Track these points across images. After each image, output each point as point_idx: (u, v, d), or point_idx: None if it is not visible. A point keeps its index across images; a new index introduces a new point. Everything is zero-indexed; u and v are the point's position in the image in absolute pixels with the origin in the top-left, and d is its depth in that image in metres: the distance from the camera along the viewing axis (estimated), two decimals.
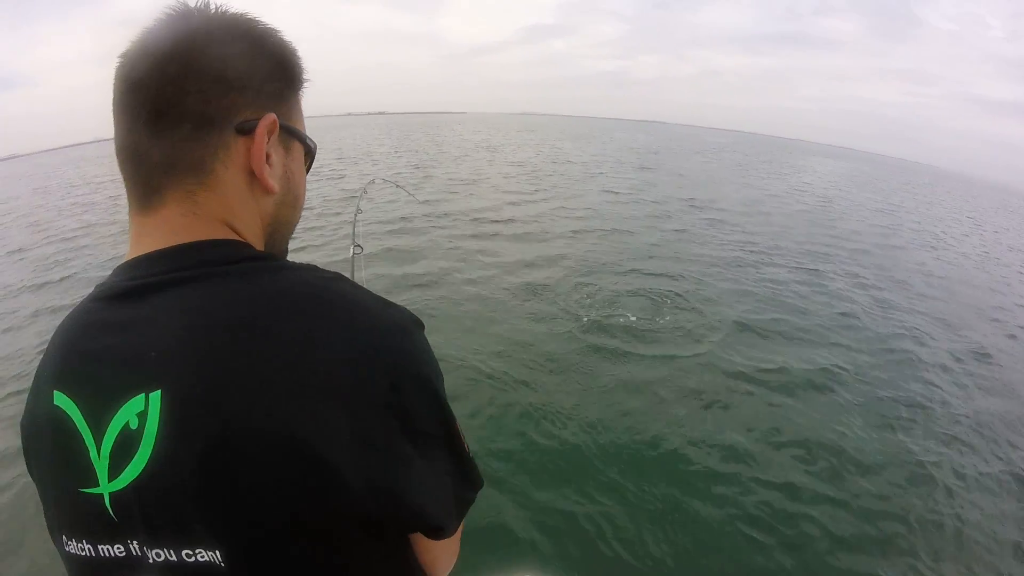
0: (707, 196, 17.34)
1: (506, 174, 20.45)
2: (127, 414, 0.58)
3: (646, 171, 24.89)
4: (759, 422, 4.65)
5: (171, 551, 0.58)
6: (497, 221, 11.59)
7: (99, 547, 0.61)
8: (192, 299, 0.61)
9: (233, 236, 0.69)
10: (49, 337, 0.71)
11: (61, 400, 0.62)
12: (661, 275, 8.33)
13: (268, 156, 0.70)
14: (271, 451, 0.55)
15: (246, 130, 0.68)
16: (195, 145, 0.65)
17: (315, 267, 0.69)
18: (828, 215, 16.37)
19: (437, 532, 0.70)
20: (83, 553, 0.62)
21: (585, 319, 6.50)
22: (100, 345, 0.62)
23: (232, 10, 0.69)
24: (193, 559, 0.57)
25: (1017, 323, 8.28)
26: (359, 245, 2.72)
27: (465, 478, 0.74)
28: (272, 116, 0.70)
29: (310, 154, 0.82)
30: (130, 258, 0.67)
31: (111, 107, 0.67)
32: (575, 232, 10.90)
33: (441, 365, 0.70)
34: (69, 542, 0.63)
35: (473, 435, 3.91)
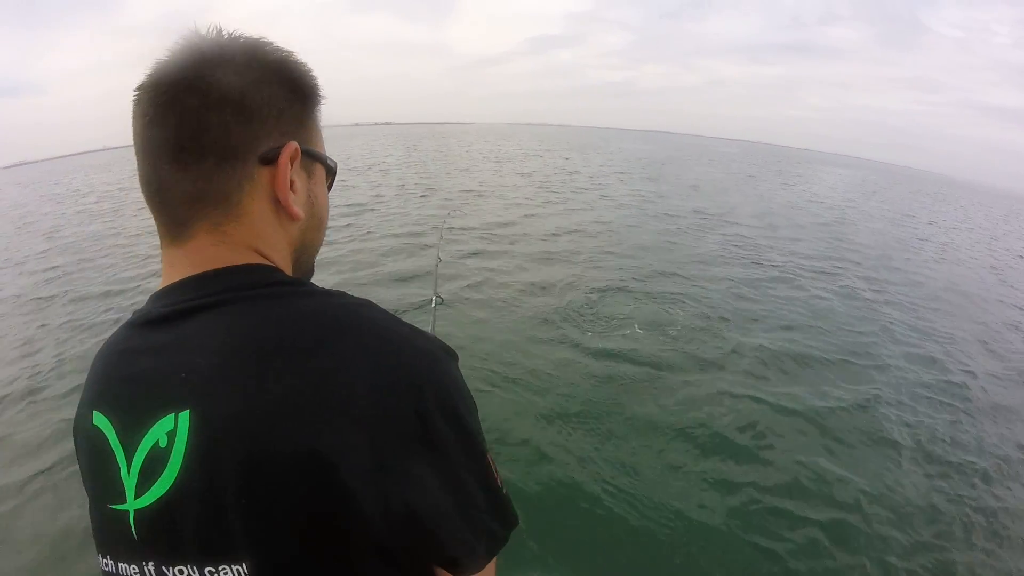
0: (718, 208, 17.31)
1: (513, 185, 20.50)
2: (157, 433, 0.59)
3: (653, 182, 24.91)
4: (785, 456, 4.45)
5: (194, 568, 0.59)
6: (504, 234, 11.52)
7: (119, 564, 0.64)
8: (221, 323, 0.63)
9: (262, 261, 0.71)
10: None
11: (99, 420, 0.65)
12: (675, 292, 8.22)
13: (292, 183, 0.71)
14: (294, 473, 0.56)
15: (269, 159, 0.69)
16: (220, 178, 0.66)
17: (344, 293, 0.69)
18: (839, 226, 16.27)
19: (453, 565, 0.69)
20: (107, 569, 0.65)
21: (595, 339, 6.39)
22: (135, 368, 0.65)
23: (244, 35, 0.69)
24: (215, 575, 0.59)
25: None
26: (439, 295, 2.69)
27: (494, 513, 0.71)
28: (294, 144, 0.70)
29: (331, 173, 0.83)
30: (163, 286, 0.69)
31: (132, 140, 0.68)
32: (583, 247, 10.81)
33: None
34: (101, 558, 0.66)
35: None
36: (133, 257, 10.90)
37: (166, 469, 0.58)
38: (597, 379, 5.40)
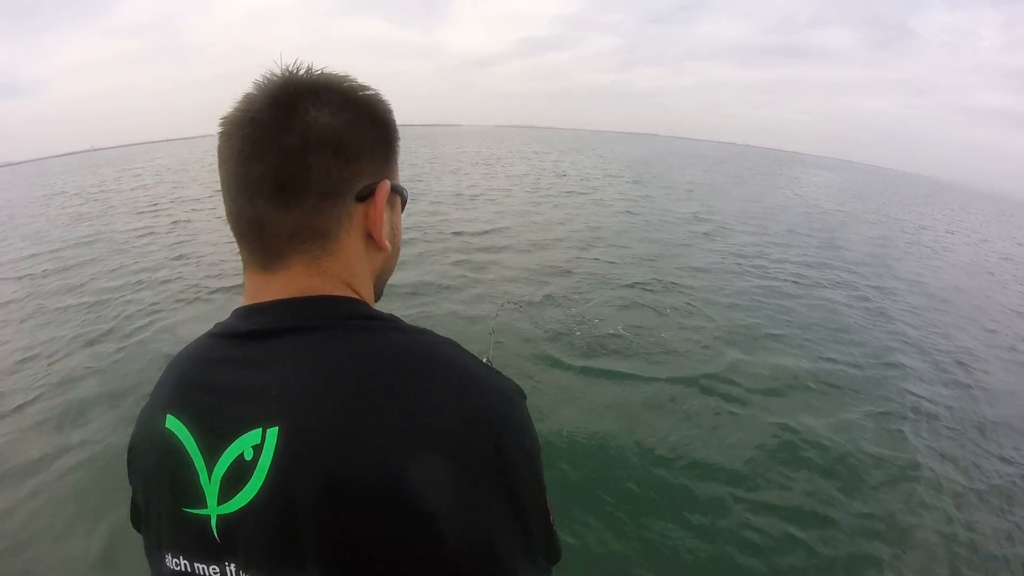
0: (709, 210, 17.36)
1: (504, 188, 20.45)
2: (243, 445, 0.62)
3: (644, 185, 24.89)
4: (761, 438, 4.62)
5: None
6: (495, 236, 11.51)
7: (195, 564, 0.65)
8: (314, 346, 0.66)
9: (352, 294, 0.75)
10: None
11: (173, 424, 0.67)
12: (663, 291, 8.27)
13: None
14: (379, 498, 0.57)
15: (364, 196, 0.73)
16: (320, 216, 0.70)
17: (431, 331, 0.72)
18: (827, 226, 16.38)
19: None
20: (178, 568, 0.66)
21: (583, 337, 6.40)
22: (220, 379, 0.67)
23: (331, 72, 0.72)
24: None
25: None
26: (491, 361, 2.76)
27: (547, 549, 0.73)
28: (388, 184, 0.75)
29: (405, 201, 0.86)
30: (249, 304, 0.72)
31: (218, 172, 0.71)
32: (573, 248, 10.83)
33: None
34: (166, 556, 0.68)
35: None
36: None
37: (250, 481, 0.61)
38: (589, 394, 5.34)
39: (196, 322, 6.97)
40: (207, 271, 9.56)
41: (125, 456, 0.77)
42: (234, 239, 0.74)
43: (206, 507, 0.64)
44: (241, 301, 0.74)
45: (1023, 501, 4.19)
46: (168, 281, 8.98)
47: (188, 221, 14.36)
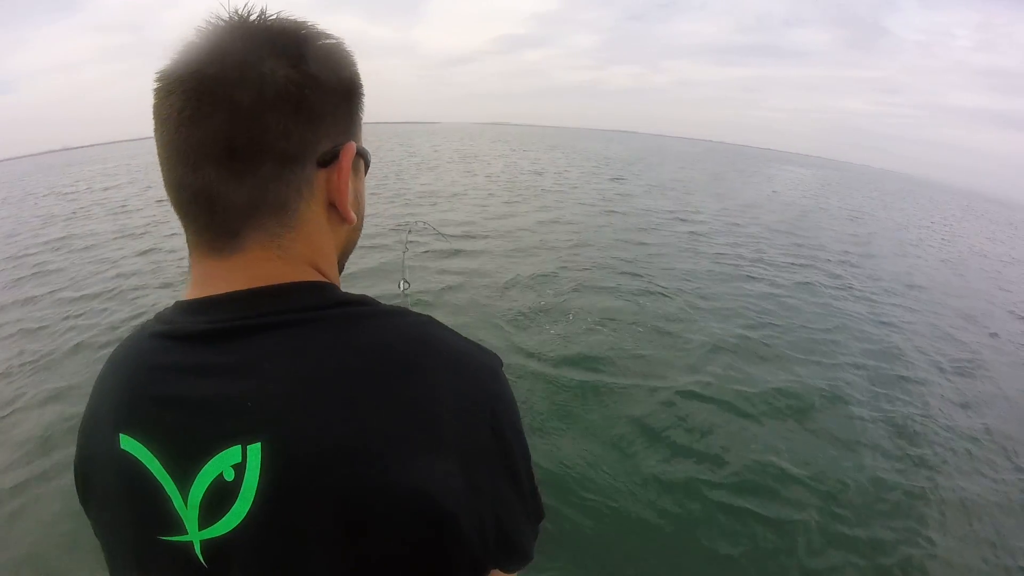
0: (687, 207, 17.41)
1: (481, 186, 20.29)
2: (220, 465, 0.55)
3: (623, 182, 24.88)
4: (748, 447, 4.55)
5: None
6: (471, 235, 11.35)
7: None
8: (290, 346, 0.58)
9: (320, 277, 0.67)
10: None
11: (130, 445, 0.59)
12: (645, 291, 8.22)
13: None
14: (391, 505, 0.54)
15: (327, 161, 0.65)
16: (278, 184, 0.61)
17: (406, 310, 0.67)
18: (804, 223, 16.49)
19: (521, 564, 0.69)
20: None
21: (558, 340, 6.32)
22: (179, 391, 0.59)
23: (287, 17, 0.63)
24: None
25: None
26: (407, 281, 2.74)
27: (537, 510, 0.71)
28: (353, 145, 0.67)
29: (368, 167, 0.78)
30: (200, 296, 0.63)
31: (154, 134, 0.61)
32: (553, 247, 10.73)
33: None
34: None
35: None
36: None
37: (236, 502, 0.55)
38: (557, 382, 5.36)
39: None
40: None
41: (74, 482, 0.69)
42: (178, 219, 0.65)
43: (186, 533, 0.57)
44: (186, 292, 0.66)
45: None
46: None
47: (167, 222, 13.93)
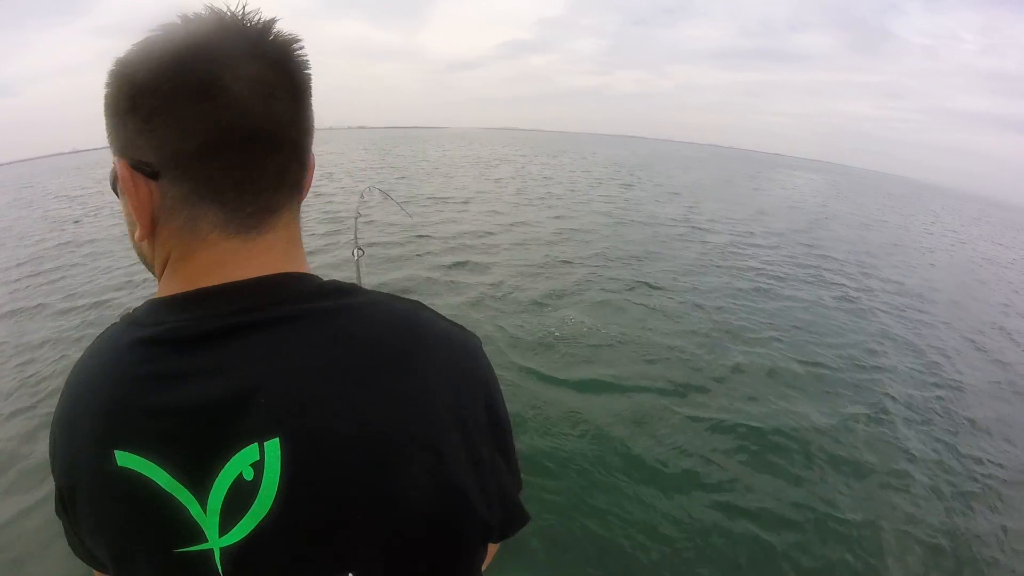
0: (698, 212, 17.40)
1: (490, 191, 20.32)
2: (239, 465, 0.56)
3: (631, 187, 24.87)
4: (744, 442, 4.58)
5: None
6: (483, 244, 11.30)
7: None
8: (295, 342, 0.60)
9: (305, 265, 0.71)
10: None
11: (130, 461, 0.57)
12: (651, 295, 8.21)
13: None
14: (416, 484, 0.59)
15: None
16: (300, 164, 0.68)
17: (394, 297, 0.70)
18: (817, 231, 16.42)
19: (522, 526, 0.75)
20: None
21: (566, 341, 6.30)
22: (177, 399, 0.57)
23: (268, 17, 0.64)
24: None
25: None
26: (360, 248, 2.75)
27: (519, 482, 0.77)
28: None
29: None
30: (192, 289, 0.63)
31: (162, 111, 0.58)
32: (563, 256, 10.59)
33: None
34: None
35: None
36: None
37: (256, 501, 0.56)
38: (564, 398, 5.20)
39: None
40: None
41: (57, 506, 0.68)
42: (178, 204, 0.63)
43: (206, 541, 0.57)
44: (173, 279, 0.65)
45: (1011, 503, 4.23)
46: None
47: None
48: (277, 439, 0.56)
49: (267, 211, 0.65)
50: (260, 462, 0.56)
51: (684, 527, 3.62)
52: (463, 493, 0.62)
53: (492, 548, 0.79)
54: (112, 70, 0.60)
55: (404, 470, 0.58)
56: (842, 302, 8.95)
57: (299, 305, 0.62)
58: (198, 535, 0.57)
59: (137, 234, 0.65)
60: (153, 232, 0.65)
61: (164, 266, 0.66)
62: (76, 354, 0.72)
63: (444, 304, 7.48)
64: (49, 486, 0.69)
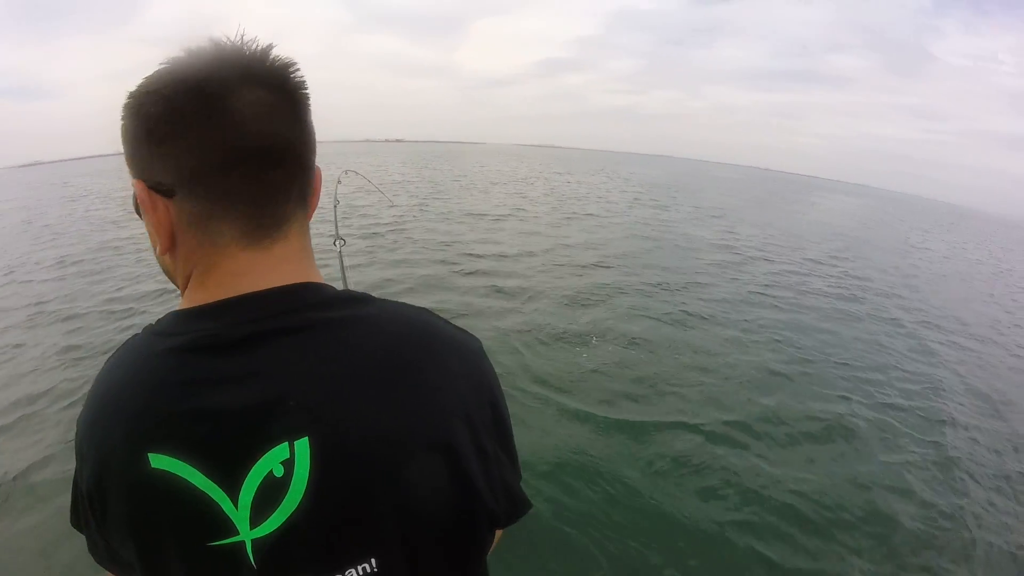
0: (735, 235, 17.14)
1: (524, 209, 20.21)
2: (270, 463, 0.61)
3: (667, 208, 24.51)
4: (796, 486, 4.29)
5: None
6: (515, 263, 11.15)
7: None
8: (317, 349, 0.65)
9: (317, 275, 0.76)
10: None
11: (164, 462, 0.62)
12: (689, 324, 7.98)
13: None
14: (434, 475, 0.66)
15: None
16: (304, 178, 0.73)
17: (403, 303, 0.76)
18: (859, 255, 16.02)
19: (525, 511, 0.81)
20: None
21: (599, 372, 6.06)
22: (211, 403, 0.62)
23: (265, 44, 0.69)
24: None
25: None
26: (342, 238, 2.78)
27: (519, 471, 0.83)
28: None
29: None
30: (214, 301, 0.68)
31: (181, 131, 0.64)
32: (595, 273, 10.53)
33: None
34: None
35: None
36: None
37: (287, 496, 0.62)
38: (594, 416, 5.13)
39: None
40: None
41: (85, 504, 0.71)
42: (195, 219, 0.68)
43: (238, 534, 0.62)
44: (195, 292, 0.71)
45: None
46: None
47: None
48: (306, 438, 0.62)
49: (277, 223, 0.71)
50: (290, 460, 0.61)
51: None
52: (473, 485, 0.69)
53: (498, 534, 0.85)
54: (127, 103, 0.66)
55: (420, 465, 0.65)
56: (896, 335, 8.59)
57: (320, 313, 0.68)
58: (230, 529, 0.62)
59: (158, 249, 0.71)
60: (173, 247, 0.70)
61: (187, 279, 0.72)
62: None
63: (474, 323, 7.50)
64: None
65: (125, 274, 10.14)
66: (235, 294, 0.68)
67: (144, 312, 7.89)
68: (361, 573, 0.65)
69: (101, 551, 0.75)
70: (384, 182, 29.69)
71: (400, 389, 0.65)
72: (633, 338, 7.28)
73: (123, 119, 0.68)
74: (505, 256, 11.58)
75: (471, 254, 11.48)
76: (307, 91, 0.71)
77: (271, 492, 0.62)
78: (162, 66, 0.66)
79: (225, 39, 0.66)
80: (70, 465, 0.74)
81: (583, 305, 8.45)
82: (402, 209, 18.49)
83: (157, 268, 0.78)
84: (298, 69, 0.69)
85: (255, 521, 0.62)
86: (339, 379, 0.64)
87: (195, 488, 0.62)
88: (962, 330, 9.48)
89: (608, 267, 11.26)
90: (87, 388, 0.75)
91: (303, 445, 0.61)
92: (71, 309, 8.16)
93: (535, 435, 4.76)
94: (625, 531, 3.72)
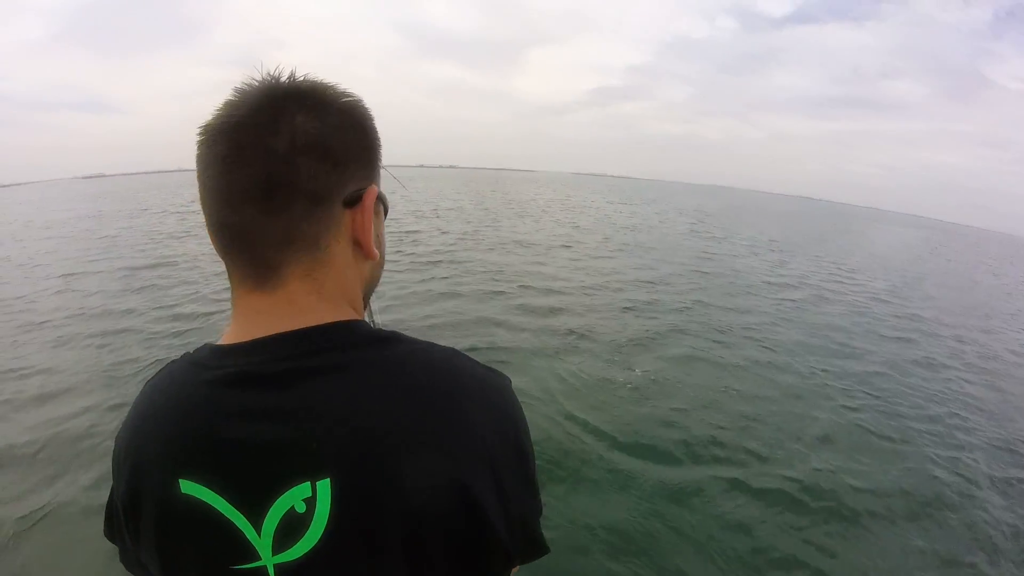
0: (789, 270, 16.72)
1: (577, 239, 20.07)
2: (292, 499, 0.62)
3: (722, 242, 23.90)
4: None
5: None
6: (564, 292, 11.08)
7: None
8: (343, 390, 0.65)
9: (352, 313, 0.75)
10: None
11: (193, 488, 0.65)
12: (750, 373, 7.61)
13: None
14: (452, 517, 0.65)
15: (352, 202, 0.73)
16: (310, 223, 0.69)
17: (433, 344, 0.75)
18: (927, 293, 15.30)
19: (540, 555, 0.79)
20: None
21: (650, 424, 5.65)
22: (241, 435, 0.64)
23: (311, 77, 0.72)
24: None
25: None
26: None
27: (540, 507, 0.82)
28: (375, 188, 0.76)
29: (387, 211, 0.85)
30: (250, 339, 0.69)
31: (197, 180, 0.69)
32: (649, 309, 10.28)
33: None
34: None
35: None
36: None
37: (309, 530, 0.63)
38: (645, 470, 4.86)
39: None
40: None
41: (120, 519, 0.75)
42: (220, 257, 0.73)
43: (260, 559, 0.64)
44: (231, 329, 0.73)
45: None
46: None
47: None
48: (328, 480, 0.62)
49: (269, 268, 0.70)
50: (312, 498, 0.62)
51: None
52: (492, 527, 0.68)
53: (514, 570, 0.83)
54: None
55: (440, 507, 0.64)
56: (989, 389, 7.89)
57: (346, 354, 0.68)
58: (253, 555, 0.64)
59: None
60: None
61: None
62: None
63: (516, 352, 7.40)
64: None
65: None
66: (260, 335, 0.69)
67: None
68: None
69: (132, 561, 0.78)
70: (438, 208, 30.27)
71: (422, 434, 0.65)
72: (683, 376, 7.07)
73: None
74: (553, 287, 11.50)
75: (521, 284, 11.44)
76: (331, 128, 0.70)
77: (293, 525, 0.63)
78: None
79: (245, 82, 0.69)
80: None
81: (634, 344, 8.22)
82: (453, 237, 18.72)
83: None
84: (321, 105, 0.70)
85: (277, 550, 0.64)
86: (362, 422, 0.64)
87: (220, 515, 0.64)
88: None
89: (658, 300, 11.09)
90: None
91: (324, 486, 0.62)
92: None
93: (569, 487, 4.57)
94: None
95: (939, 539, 4.25)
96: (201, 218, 0.73)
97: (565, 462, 4.87)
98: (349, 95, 0.74)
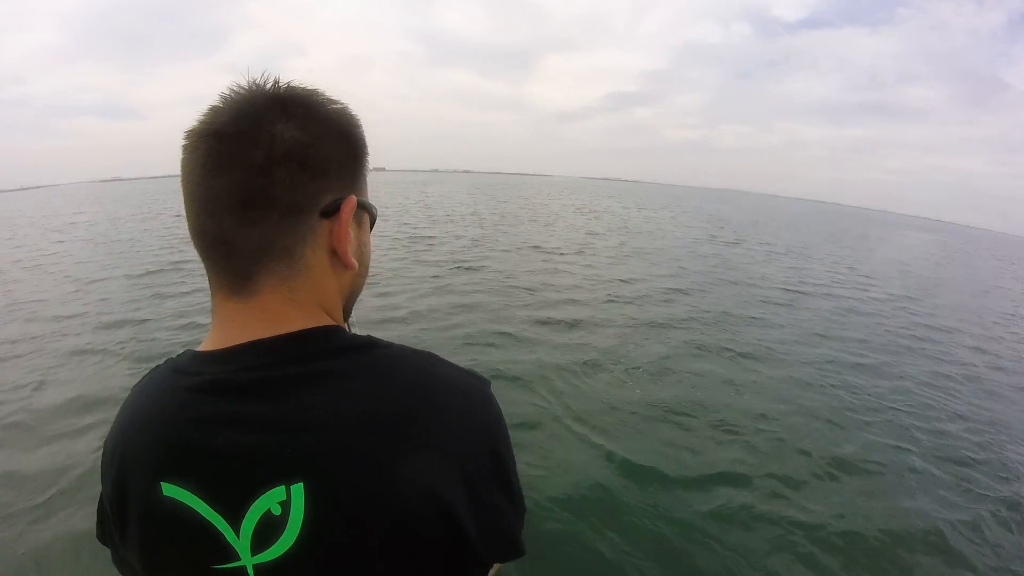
0: (806, 275, 16.53)
1: (593, 245, 19.95)
2: (268, 502, 0.63)
3: (737, 247, 23.68)
4: None
5: None
6: (578, 298, 10.98)
7: None
8: (317, 397, 0.66)
9: (329, 321, 0.75)
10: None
11: (174, 491, 0.66)
12: (762, 376, 7.50)
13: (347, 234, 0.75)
14: (424, 522, 0.65)
15: (329, 212, 0.72)
16: (284, 233, 0.69)
17: (408, 349, 0.75)
18: (935, 298, 14.91)
19: (516, 557, 0.78)
20: None
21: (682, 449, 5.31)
22: (218, 442, 0.65)
23: (301, 86, 0.72)
24: None
25: None
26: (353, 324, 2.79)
27: (522, 508, 0.82)
28: (354, 199, 0.74)
29: (374, 220, 0.85)
30: (226, 346, 0.70)
31: (181, 185, 0.70)
32: (664, 314, 10.11)
33: None
34: None
35: None
36: None
37: (285, 531, 0.64)
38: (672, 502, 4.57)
39: None
40: None
41: (109, 521, 0.77)
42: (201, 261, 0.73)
43: (239, 560, 0.65)
44: (209, 336, 0.74)
45: None
46: None
47: None
48: (302, 484, 0.63)
49: (244, 277, 0.70)
50: (287, 501, 0.63)
51: None
52: (466, 533, 0.68)
53: (494, 568, 0.83)
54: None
55: (415, 514, 0.64)
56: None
57: (321, 362, 0.68)
58: (232, 555, 0.66)
59: None
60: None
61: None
62: None
63: (527, 356, 7.33)
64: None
65: None
66: (237, 342, 0.70)
67: None
68: None
69: (123, 563, 0.80)
70: (451, 213, 30.37)
71: (395, 440, 0.65)
72: (694, 377, 7.07)
73: None
74: (568, 296, 11.35)
75: (535, 293, 11.35)
76: (311, 139, 0.70)
77: (270, 527, 0.64)
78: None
79: (229, 88, 0.70)
80: None
81: (643, 341, 8.25)
82: (466, 241, 18.79)
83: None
84: (306, 115, 0.70)
85: (256, 549, 0.65)
86: (336, 428, 0.64)
87: (200, 517, 0.66)
88: None
89: (672, 303, 11.05)
90: None
91: (298, 490, 0.63)
92: None
93: (564, 475, 4.63)
94: None
95: None
96: None
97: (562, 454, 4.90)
98: (335, 102, 0.74)
